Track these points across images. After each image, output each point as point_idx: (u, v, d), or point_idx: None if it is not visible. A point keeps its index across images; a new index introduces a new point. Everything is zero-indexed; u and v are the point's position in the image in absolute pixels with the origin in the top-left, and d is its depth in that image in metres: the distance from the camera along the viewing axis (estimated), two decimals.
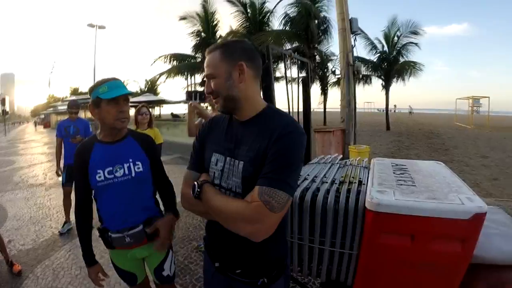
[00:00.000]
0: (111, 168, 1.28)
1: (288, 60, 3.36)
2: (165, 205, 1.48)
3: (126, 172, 1.30)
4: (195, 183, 0.92)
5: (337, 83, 16.06)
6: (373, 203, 1.19)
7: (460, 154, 8.33)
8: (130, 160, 1.32)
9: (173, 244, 1.75)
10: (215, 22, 15.06)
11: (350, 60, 6.26)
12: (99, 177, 1.27)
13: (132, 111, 2.17)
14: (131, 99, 1.32)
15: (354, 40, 6.55)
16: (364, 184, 1.52)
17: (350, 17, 6.31)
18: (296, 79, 3.37)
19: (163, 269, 1.43)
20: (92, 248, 1.37)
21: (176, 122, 11.33)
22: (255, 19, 14.06)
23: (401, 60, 14.82)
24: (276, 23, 14.33)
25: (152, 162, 1.39)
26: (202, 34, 14.98)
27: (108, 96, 1.21)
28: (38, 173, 7.00)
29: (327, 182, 1.57)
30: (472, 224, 1.10)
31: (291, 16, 13.01)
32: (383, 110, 20.68)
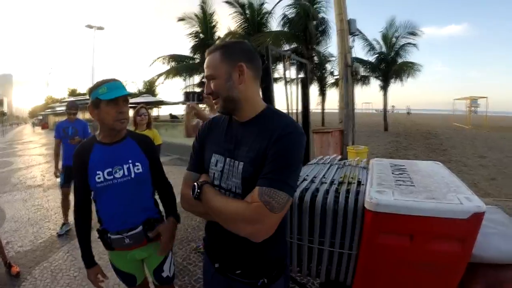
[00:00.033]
0: (110, 169, 1.28)
1: (287, 61, 3.37)
2: (165, 208, 1.47)
3: (126, 173, 1.30)
4: (195, 184, 0.92)
5: (336, 84, 16.08)
6: (372, 203, 1.19)
7: (458, 154, 8.38)
8: (130, 161, 1.32)
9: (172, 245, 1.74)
10: (213, 23, 15.04)
11: (349, 61, 6.29)
12: (99, 178, 1.26)
13: (131, 112, 2.16)
14: (130, 100, 1.31)
15: (353, 41, 6.60)
16: (363, 184, 1.53)
17: (348, 18, 6.34)
18: (295, 80, 3.38)
19: (162, 270, 1.43)
20: (91, 249, 1.36)
21: (175, 123, 11.30)
22: (254, 20, 14.05)
23: (399, 61, 14.91)
24: (275, 24, 14.35)
25: (151, 163, 1.39)
26: (201, 35, 14.95)
27: (107, 97, 1.20)
28: (36, 174, 6.96)
29: (326, 183, 1.57)
30: (470, 223, 1.10)
31: (290, 17, 13.01)
32: (381, 111, 20.74)
